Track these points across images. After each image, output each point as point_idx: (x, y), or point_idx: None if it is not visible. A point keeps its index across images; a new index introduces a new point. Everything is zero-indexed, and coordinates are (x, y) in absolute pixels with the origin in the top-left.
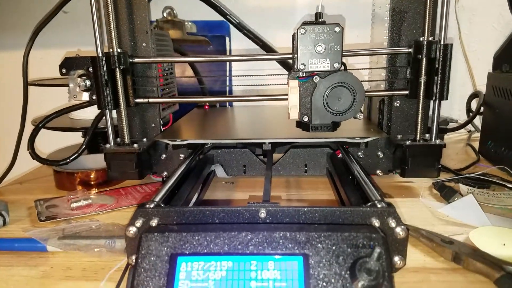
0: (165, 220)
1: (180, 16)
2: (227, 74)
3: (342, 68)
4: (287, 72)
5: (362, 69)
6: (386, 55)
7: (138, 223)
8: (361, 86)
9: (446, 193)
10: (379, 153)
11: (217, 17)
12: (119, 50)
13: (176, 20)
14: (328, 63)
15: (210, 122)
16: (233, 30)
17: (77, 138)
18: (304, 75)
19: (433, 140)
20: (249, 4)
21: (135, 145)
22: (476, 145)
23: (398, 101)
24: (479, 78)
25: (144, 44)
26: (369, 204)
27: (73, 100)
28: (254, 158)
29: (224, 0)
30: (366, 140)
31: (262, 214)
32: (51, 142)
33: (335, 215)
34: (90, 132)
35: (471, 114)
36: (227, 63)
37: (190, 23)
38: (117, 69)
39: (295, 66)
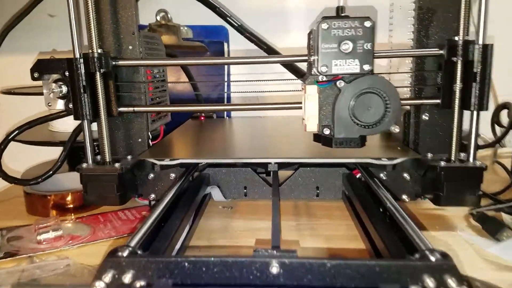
0: (143, 274)
1: (175, 20)
2: (225, 80)
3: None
4: (294, 77)
5: (382, 73)
6: (411, 59)
7: (107, 277)
8: (396, 93)
9: (490, 226)
10: (406, 174)
11: (215, 21)
12: (100, 51)
13: (171, 25)
14: (356, 65)
15: (206, 136)
16: (232, 35)
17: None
18: (324, 79)
19: (471, 160)
20: (247, 6)
21: (117, 164)
22: (506, 162)
23: (427, 114)
24: (500, 86)
25: (130, 47)
26: (417, 255)
27: (49, 108)
28: (257, 178)
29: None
30: (395, 161)
31: (275, 269)
32: (32, 158)
33: (374, 272)
34: (67, 147)
35: (498, 128)
36: (225, 69)
37: (185, 28)
38: (97, 73)
39: (314, 69)
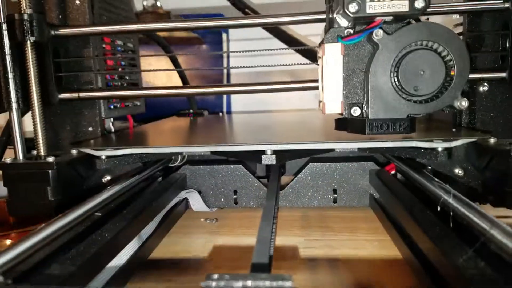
0: None
1: (166, 7)
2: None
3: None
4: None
5: None
6: (463, 15)
7: None
8: (462, 47)
9: None
10: (458, 170)
11: (211, 8)
12: (30, 11)
13: (161, 13)
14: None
15: (188, 129)
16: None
17: None
18: (352, 31)
19: None
20: None
21: (50, 158)
22: None
23: (486, 84)
24: None
25: (77, 2)
26: None
27: None
28: (251, 178)
29: None
30: (453, 144)
31: None
32: None
33: None
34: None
35: None
36: (224, 60)
37: (177, 16)
38: (28, 43)
39: (338, 18)
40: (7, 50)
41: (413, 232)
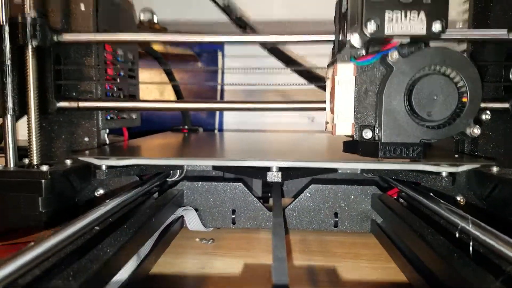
0: None
1: (162, 24)
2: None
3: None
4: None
5: None
6: (467, 44)
7: None
8: (475, 73)
9: None
10: (459, 197)
11: (208, 26)
12: (34, 14)
13: (157, 28)
14: (422, 21)
15: (185, 143)
16: (227, 43)
17: None
18: (365, 52)
19: None
20: None
21: (44, 167)
22: None
23: (489, 113)
24: None
25: (82, 8)
26: None
27: None
28: (250, 197)
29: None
30: (460, 169)
31: None
32: None
33: None
34: None
35: None
36: (219, 76)
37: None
38: (29, 47)
39: (353, 39)
40: (7, 54)
41: (427, 258)
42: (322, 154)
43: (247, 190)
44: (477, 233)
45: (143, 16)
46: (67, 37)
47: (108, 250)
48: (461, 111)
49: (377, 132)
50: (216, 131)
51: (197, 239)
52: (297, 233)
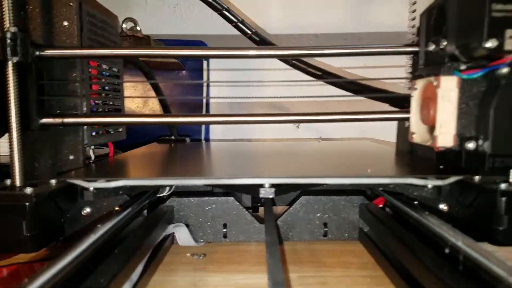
0: None
1: (145, 32)
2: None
3: None
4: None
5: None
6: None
7: None
8: None
9: None
10: (442, 205)
11: (192, 35)
12: (14, 30)
13: (140, 36)
14: None
15: (173, 157)
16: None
17: None
18: (464, 67)
19: None
20: None
21: (28, 189)
22: None
23: None
24: None
25: (65, 24)
26: None
27: None
28: (242, 211)
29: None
30: (447, 181)
31: None
32: None
33: None
34: None
35: None
36: (204, 88)
37: (157, 41)
38: (9, 62)
39: (455, 51)
40: None
41: (413, 267)
42: (313, 166)
43: (238, 203)
44: (468, 249)
45: (125, 25)
46: (50, 52)
47: (102, 281)
48: None
49: (480, 144)
50: (203, 139)
51: (188, 254)
52: (287, 244)
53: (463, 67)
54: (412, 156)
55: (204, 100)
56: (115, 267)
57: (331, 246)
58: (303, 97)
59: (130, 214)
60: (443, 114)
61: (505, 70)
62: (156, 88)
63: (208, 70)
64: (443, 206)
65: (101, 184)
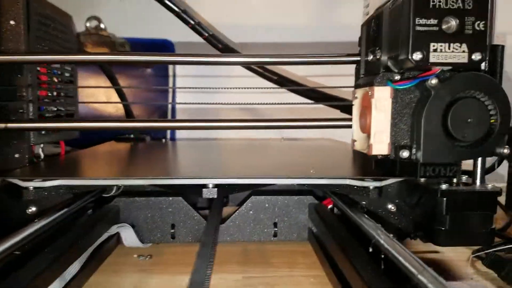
0: None
1: (110, 31)
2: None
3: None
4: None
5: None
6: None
7: None
8: (506, 99)
9: (510, 273)
10: (390, 205)
11: (158, 34)
12: None
13: (104, 35)
14: (464, 52)
15: (126, 157)
16: (179, 51)
17: None
18: (398, 78)
19: (479, 184)
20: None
21: None
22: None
23: None
24: None
25: (12, 22)
26: None
27: None
28: (191, 211)
29: None
30: (383, 183)
31: None
32: None
33: None
34: None
35: None
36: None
37: (122, 40)
38: None
39: (389, 63)
40: None
41: (344, 266)
42: (266, 164)
43: (186, 204)
44: (388, 247)
45: (89, 24)
46: None
47: (24, 278)
48: (492, 132)
49: (414, 152)
50: (165, 139)
51: (135, 255)
52: (238, 244)
53: (397, 77)
54: (366, 156)
55: (170, 105)
56: (42, 265)
57: (281, 247)
58: (265, 103)
59: (69, 212)
60: (377, 123)
61: (434, 81)
62: (119, 93)
63: (174, 68)
64: (391, 207)
65: (37, 183)
